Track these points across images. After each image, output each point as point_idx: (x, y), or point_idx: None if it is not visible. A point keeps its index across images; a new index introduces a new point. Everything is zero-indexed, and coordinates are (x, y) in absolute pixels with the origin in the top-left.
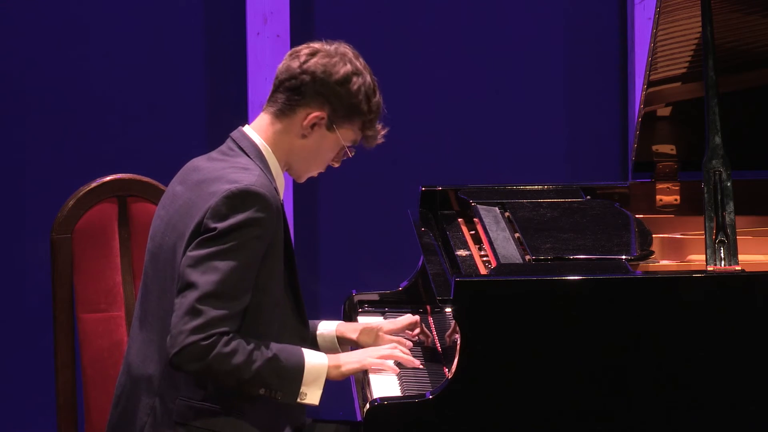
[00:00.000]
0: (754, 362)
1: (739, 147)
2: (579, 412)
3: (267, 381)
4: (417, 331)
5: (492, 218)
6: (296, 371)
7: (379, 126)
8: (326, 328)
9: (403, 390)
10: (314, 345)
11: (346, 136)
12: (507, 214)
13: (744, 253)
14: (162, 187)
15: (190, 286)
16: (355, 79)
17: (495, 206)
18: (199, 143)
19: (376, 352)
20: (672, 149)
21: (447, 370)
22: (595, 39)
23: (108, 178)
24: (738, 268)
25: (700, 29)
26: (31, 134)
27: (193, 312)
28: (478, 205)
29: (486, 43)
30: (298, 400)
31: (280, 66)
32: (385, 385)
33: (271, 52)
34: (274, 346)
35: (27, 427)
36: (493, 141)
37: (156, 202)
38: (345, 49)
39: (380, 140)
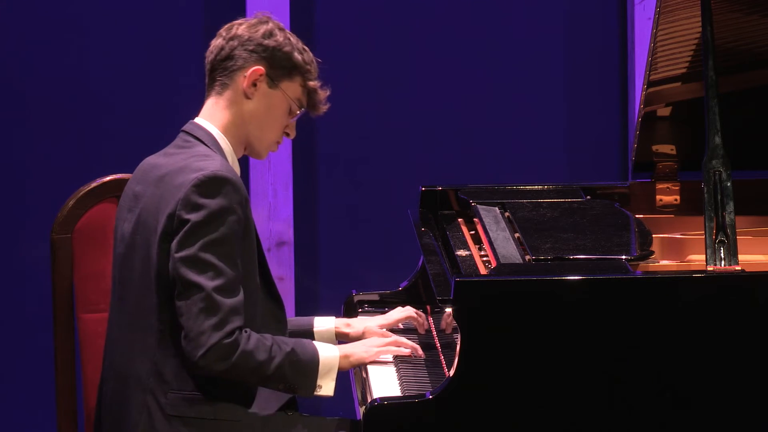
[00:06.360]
0: (755, 362)
1: (739, 147)
2: (579, 412)
3: (287, 376)
4: (420, 322)
5: (492, 218)
6: (312, 365)
7: (323, 91)
8: (324, 324)
9: (403, 390)
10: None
11: (290, 90)
12: (507, 214)
13: (744, 253)
14: None
15: (192, 286)
16: (279, 32)
17: (495, 206)
18: None
19: (380, 341)
20: (672, 149)
21: (447, 370)
22: (595, 39)
23: (108, 178)
24: (738, 268)
25: (700, 29)
26: (31, 134)
27: (206, 310)
28: (478, 205)
29: (486, 43)
30: (315, 393)
31: (206, 53)
32: (385, 385)
33: None
34: (290, 341)
35: (27, 427)
36: (493, 141)
37: None
38: (264, 17)
39: (326, 105)
